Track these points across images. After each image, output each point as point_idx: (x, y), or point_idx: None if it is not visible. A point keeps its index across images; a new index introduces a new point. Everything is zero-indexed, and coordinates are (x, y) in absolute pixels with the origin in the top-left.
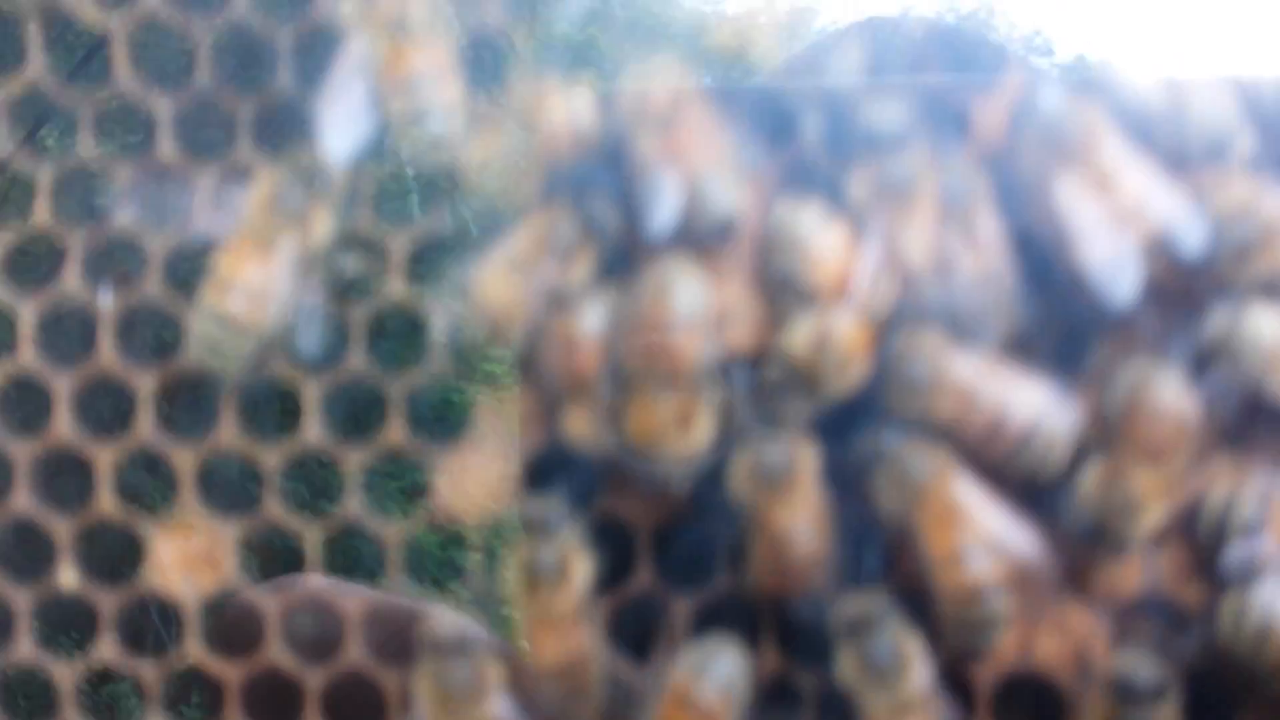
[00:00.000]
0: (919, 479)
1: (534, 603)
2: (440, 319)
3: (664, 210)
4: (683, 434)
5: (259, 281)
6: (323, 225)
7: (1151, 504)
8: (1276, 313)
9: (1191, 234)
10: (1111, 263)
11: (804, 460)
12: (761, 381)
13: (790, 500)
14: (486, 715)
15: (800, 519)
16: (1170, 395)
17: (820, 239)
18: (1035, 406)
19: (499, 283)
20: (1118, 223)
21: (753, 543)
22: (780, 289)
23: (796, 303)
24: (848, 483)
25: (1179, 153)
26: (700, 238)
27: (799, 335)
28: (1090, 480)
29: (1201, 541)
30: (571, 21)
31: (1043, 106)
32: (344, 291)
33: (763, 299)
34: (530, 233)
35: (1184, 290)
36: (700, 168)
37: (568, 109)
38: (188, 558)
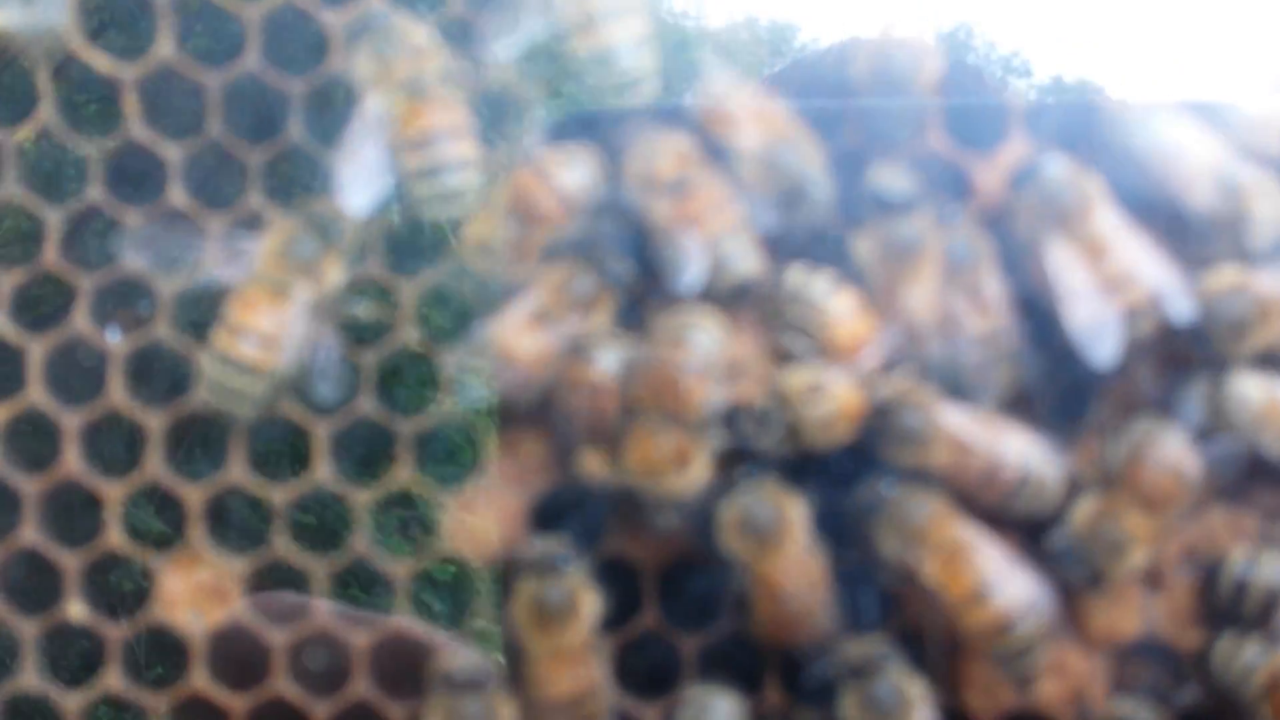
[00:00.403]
0: (918, 522)
1: (543, 638)
2: (457, 371)
3: (693, 272)
4: (680, 471)
5: (270, 327)
6: (335, 273)
7: (1138, 545)
8: (1261, 379)
9: (1181, 302)
10: (1095, 325)
11: (792, 513)
12: (748, 413)
13: (781, 553)
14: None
15: (793, 571)
16: (1173, 450)
17: (837, 302)
18: (1025, 455)
19: (522, 335)
20: (1105, 288)
21: (751, 594)
22: (793, 339)
23: (806, 353)
24: (847, 533)
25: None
26: (720, 296)
27: (798, 378)
28: (1082, 515)
29: (1221, 597)
30: (555, 36)
31: (1042, 174)
32: (357, 336)
33: (774, 357)
34: (549, 286)
35: (1184, 357)
36: (719, 232)
37: (561, 181)
38: (195, 591)
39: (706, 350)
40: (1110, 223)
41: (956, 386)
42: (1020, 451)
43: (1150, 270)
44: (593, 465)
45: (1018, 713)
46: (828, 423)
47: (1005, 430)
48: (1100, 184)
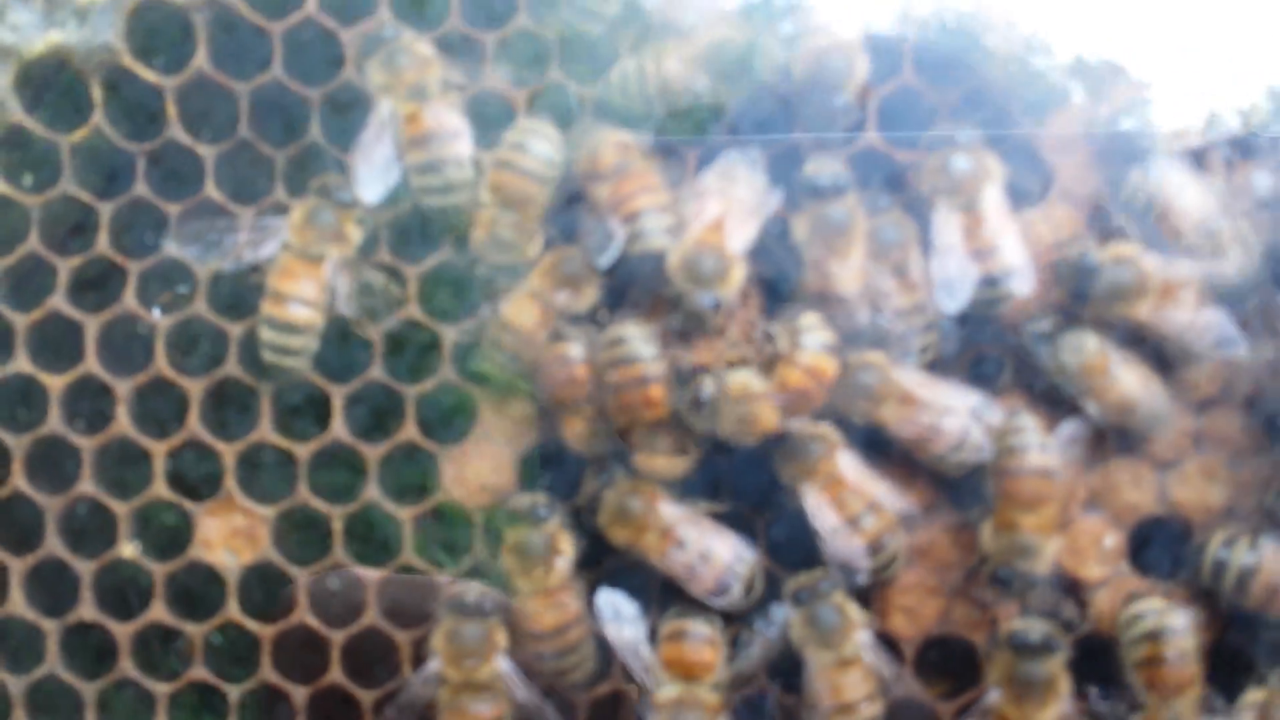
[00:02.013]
0: (811, 456)
1: (528, 578)
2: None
3: (610, 251)
4: (684, 460)
5: (310, 290)
6: (354, 232)
7: (1045, 541)
8: (1102, 340)
9: (1023, 281)
10: (954, 279)
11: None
12: (692, 392)
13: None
14: (493, 669)
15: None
16: (1033, 457)
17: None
18: (965, 415)
19: (522, 310)
20: (972, 254)
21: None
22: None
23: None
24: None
25: None
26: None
27: (737, 380)
28: (987, 537)
29: (1203, 575)
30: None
31: (951, 143)
32: (370, 307)
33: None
34: (543, 269)
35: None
36: (642, 210)
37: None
38: (230, 534)
39: (649, 352)
40: (994, 202)
41: (882, 350)
42: (961, 410)
43: (1011, 248)
44: (575, 431)
45: (939, 637)
46: (743, 423)
47: (948, 390)
48: (999, 170)
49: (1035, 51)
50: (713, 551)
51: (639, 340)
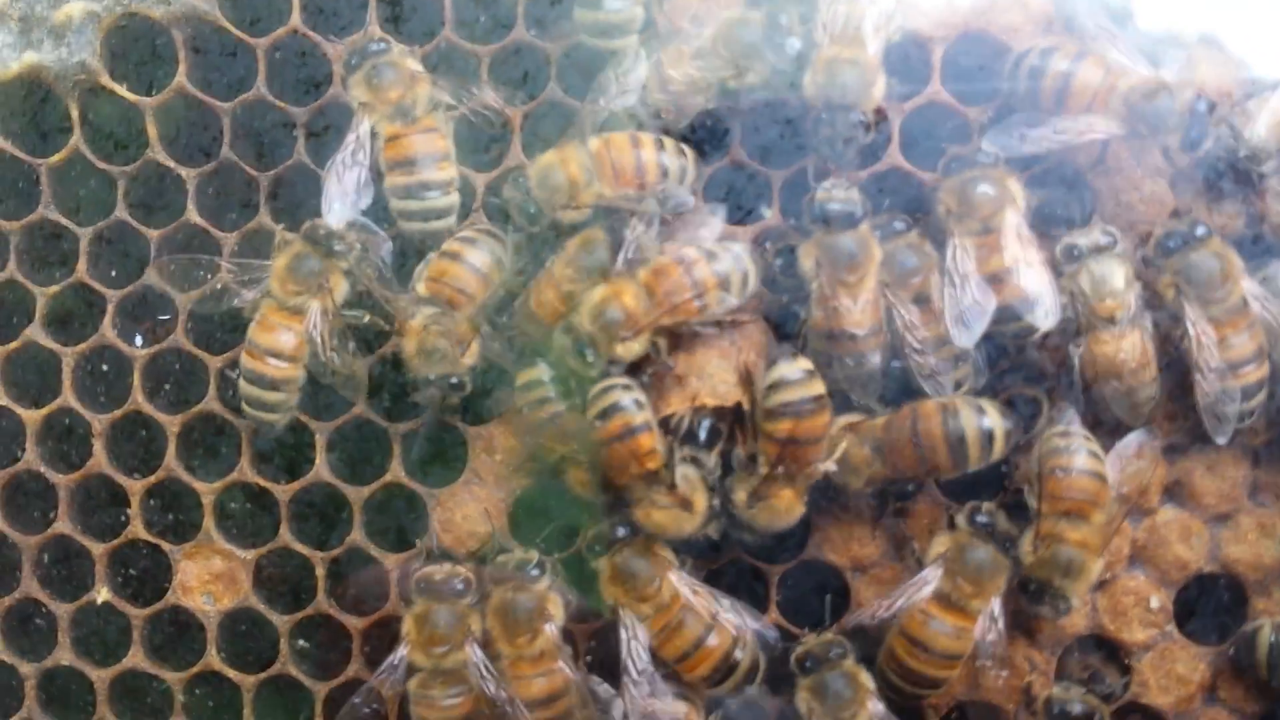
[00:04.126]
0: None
1: (511, 644)
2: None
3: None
4: (690, 517)
5: (289, 344)
6: (340, 284)
7: (1091, 558)
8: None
9: (1044, 313)
10: (970, 310)
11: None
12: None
13: None
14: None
15: None
16: (1080, 459)
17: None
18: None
19: (543, 295)
20: (990, 281)
21: None
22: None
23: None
24: None
25: None
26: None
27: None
28: (1028, 550)
29: (1259, 662)
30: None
31: (970, 162)
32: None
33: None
34: (564, 256)
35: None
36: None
37: None
38: (209, 578)
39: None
40: (1013, 228)
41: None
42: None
43: (1033, 276)
44: (578, 479)
45: (970, 703)
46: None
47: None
48: (1021, 193)
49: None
50: (706, 642)
51: (621, 390)
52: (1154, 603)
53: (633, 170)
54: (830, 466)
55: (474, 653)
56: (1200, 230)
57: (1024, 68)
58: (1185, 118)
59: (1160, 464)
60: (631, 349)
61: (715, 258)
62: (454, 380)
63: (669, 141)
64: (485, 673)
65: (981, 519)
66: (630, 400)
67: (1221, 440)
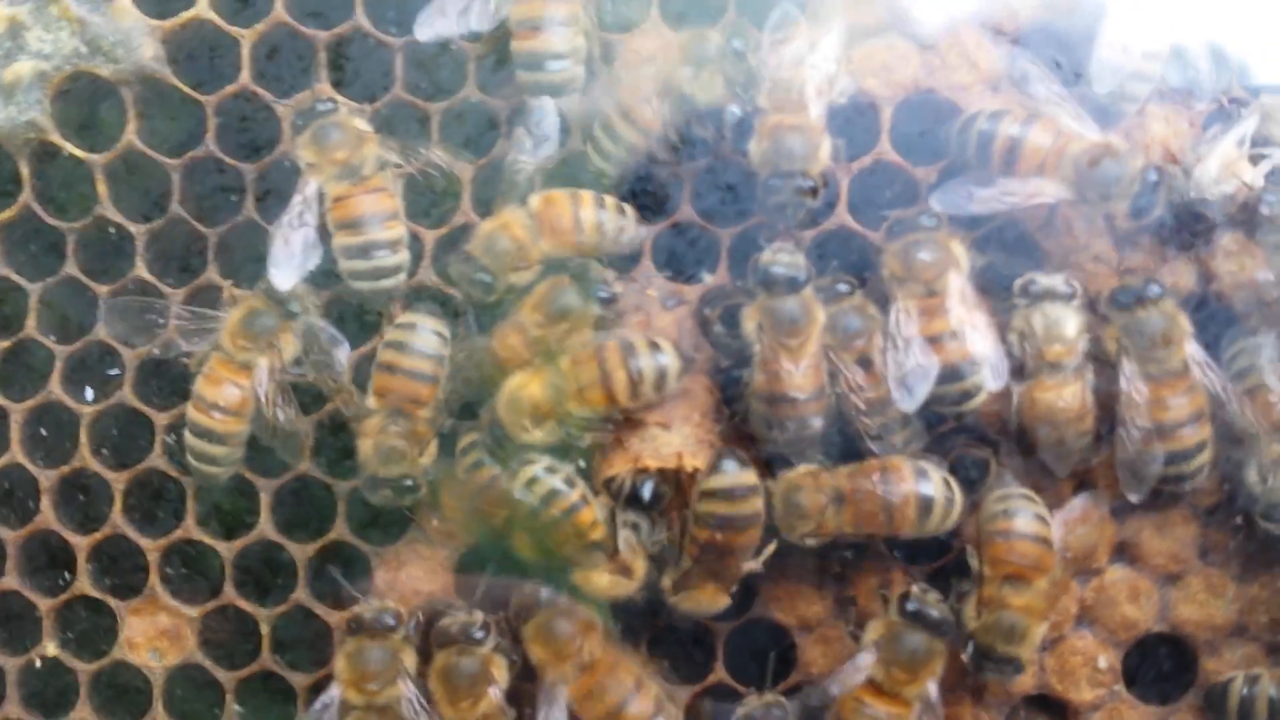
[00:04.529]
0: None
1: (454, 708)
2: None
3: None
4: (629, 582)
5: (235, 400)
6: (290, 344)
7: (1034, 622)
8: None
9: (991, 375)
10: (912, 373)
11: None
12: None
13: None
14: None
15: None
16: (1021, 523)
17: None
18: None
19: (507, 339)
20: (932, 344)
21: None
22: None
23: None
24: None
25: None
26: None
27: None
28: (970, 615)
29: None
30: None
31: (912, 225)
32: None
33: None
34: (532, 299)
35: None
36: None
37: None
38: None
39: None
40: (957, 291)
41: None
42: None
43: (977, 338)
44: (520, 544)
45: None
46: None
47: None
48: (965, 256)
49: None
50: (628, 709)
51: (546, 473)
52: (1102, 663)
53: (572, 228)
54: (757, 567)
55: (407, 688)
56: (1153, 290)
57: (973, 133)
58: (1134, 185)
59: (1109, 524)
60: (536, 436)
61: (634, 353)
62: (408, 483)
63: (609, 199)
64: (419, 708)
65: (911, 606)
66: (559, 482)
67: (1135, 499)
